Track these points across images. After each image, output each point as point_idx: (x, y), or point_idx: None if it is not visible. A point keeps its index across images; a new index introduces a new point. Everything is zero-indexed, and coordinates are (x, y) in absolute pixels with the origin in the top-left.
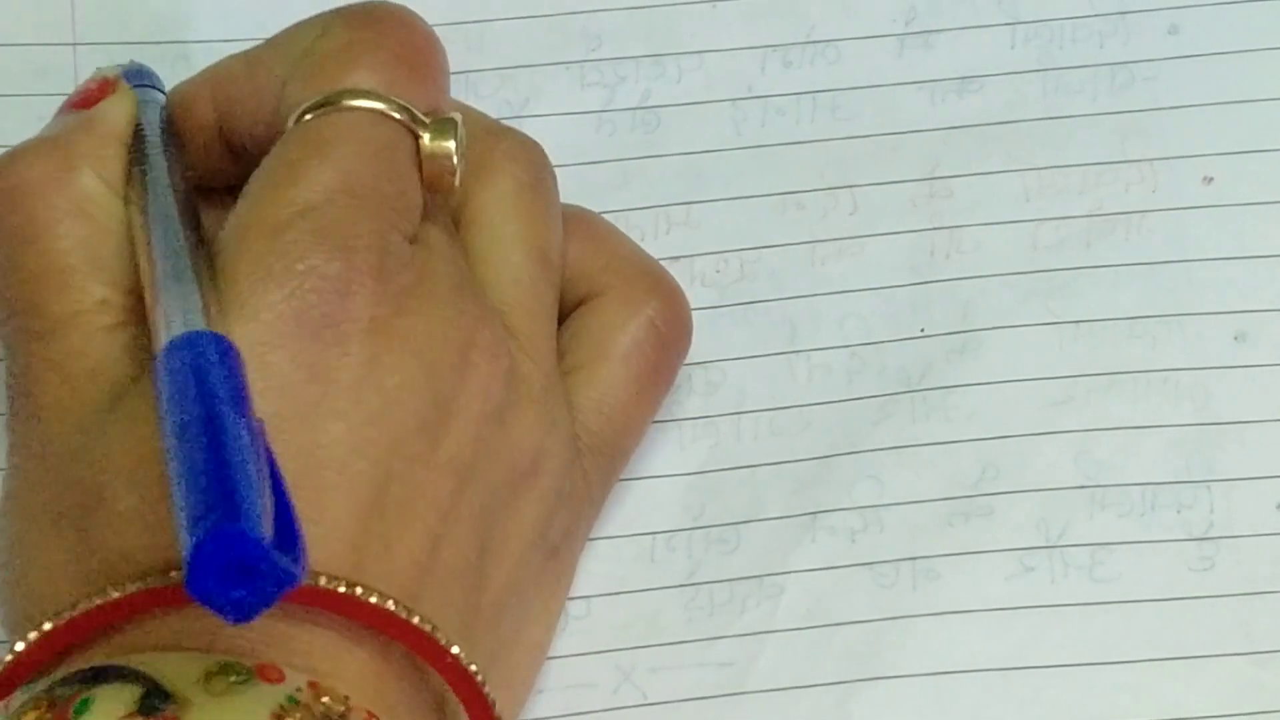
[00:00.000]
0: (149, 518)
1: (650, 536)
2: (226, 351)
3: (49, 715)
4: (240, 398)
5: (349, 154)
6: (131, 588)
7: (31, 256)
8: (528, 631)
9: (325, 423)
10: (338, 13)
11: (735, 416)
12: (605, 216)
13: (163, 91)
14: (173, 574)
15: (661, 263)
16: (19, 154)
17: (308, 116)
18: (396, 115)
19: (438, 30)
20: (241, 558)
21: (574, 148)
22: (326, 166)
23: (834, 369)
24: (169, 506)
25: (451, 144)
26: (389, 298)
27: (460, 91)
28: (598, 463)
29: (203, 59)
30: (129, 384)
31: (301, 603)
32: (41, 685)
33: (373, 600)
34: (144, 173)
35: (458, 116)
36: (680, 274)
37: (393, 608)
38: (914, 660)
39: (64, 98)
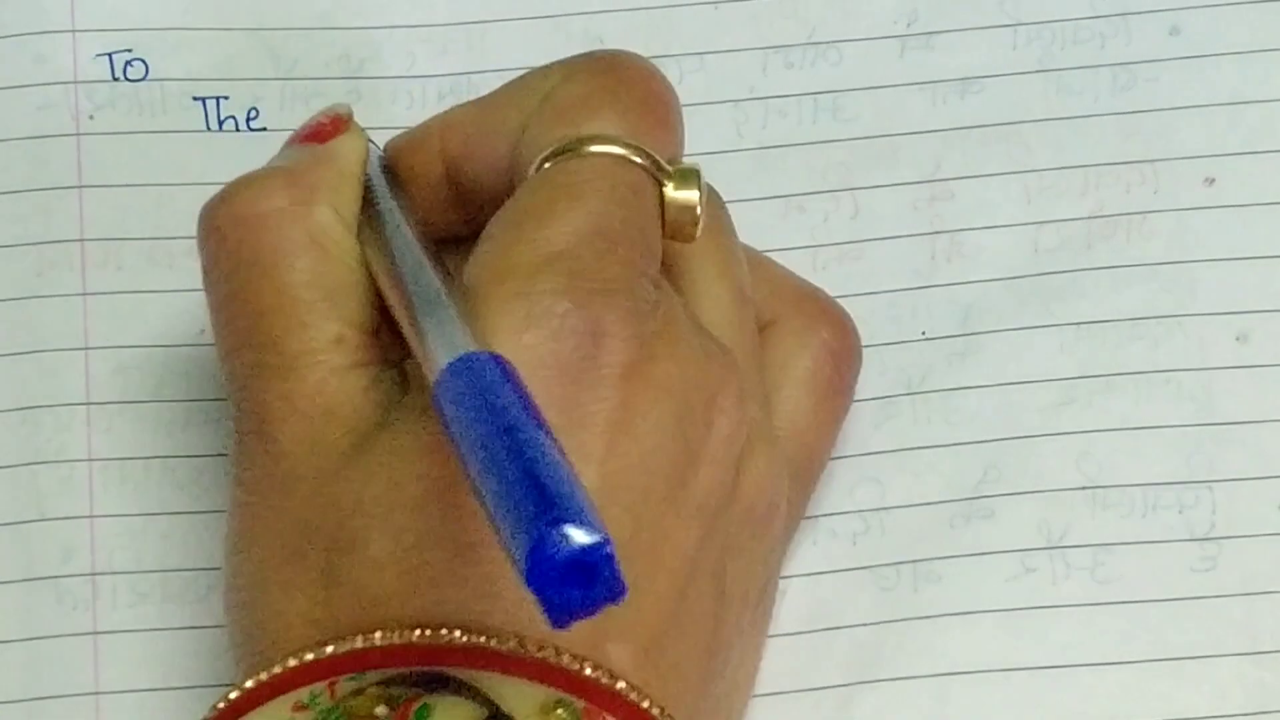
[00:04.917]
0: (404, 563)
1: None
2: (506, 368)
3: (389, 711)
4: (534, 410)
5: (599, 198)
6: (398, 638)
7: (267, 289)
8: (745, 670)
9: (581, 467)
10: (580, 60)
11: None
12: None
13: (374, 142)
14: (444, 632)
15: None
16: (254, 183)
17: (548, 164)
18: (640, 161)
19: (437, 31)
20: (583, 556)
21: None
22: (577, 210)
23: None
24: (423, 554)
25: (696, 194)
26: (641, 342)
27: (462, 92)
28: (795, 489)
29: (201, 47)
30: (372, 427)
31: (534, 677)
32: (372, 678)
33: (604, 682)
34: (377, 213)
35: (699, 167)
36: None
37: (622, 687)
38: (916, 662)
39: (62, 85)
